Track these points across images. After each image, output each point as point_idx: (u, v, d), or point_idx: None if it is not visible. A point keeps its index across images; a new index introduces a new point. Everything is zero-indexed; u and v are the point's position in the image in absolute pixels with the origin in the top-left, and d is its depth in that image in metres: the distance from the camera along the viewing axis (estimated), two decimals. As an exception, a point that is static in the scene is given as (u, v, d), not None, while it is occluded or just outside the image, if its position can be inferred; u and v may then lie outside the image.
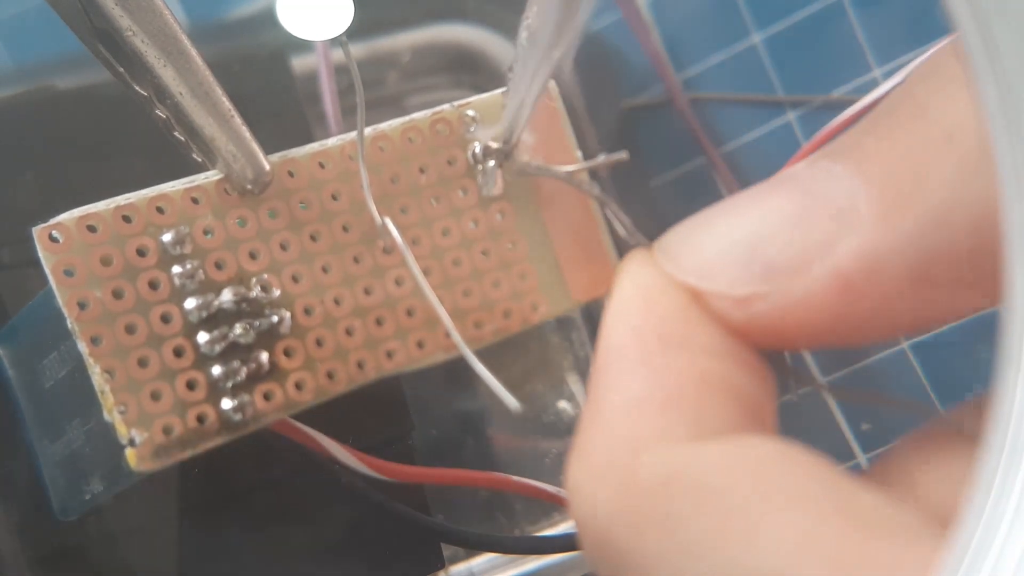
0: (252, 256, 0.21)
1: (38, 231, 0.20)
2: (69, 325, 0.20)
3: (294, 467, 0.24)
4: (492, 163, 0.23)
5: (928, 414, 0.30)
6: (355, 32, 0.21)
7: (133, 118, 0.25)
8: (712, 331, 0.16)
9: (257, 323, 0.21)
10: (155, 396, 0.20)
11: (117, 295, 0.20)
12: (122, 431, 0.20)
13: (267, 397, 0.21)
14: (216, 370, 0.21)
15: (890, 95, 0.17)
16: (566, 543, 0.28)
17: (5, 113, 0.25)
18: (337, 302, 0.22)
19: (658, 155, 0.33)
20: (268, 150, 0.22)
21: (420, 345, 0.23)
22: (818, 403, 0.32)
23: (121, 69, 0.21)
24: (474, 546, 0.28)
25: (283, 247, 0.22)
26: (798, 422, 0.31)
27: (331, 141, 0.23)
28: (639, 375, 0.16)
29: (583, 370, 0.31)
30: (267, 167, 0.21)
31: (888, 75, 0.31)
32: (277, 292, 0.21)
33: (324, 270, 0.22)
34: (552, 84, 0.25)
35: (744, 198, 0.17)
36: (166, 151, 0.22)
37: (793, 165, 0.17)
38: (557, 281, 0.24)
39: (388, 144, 0.23)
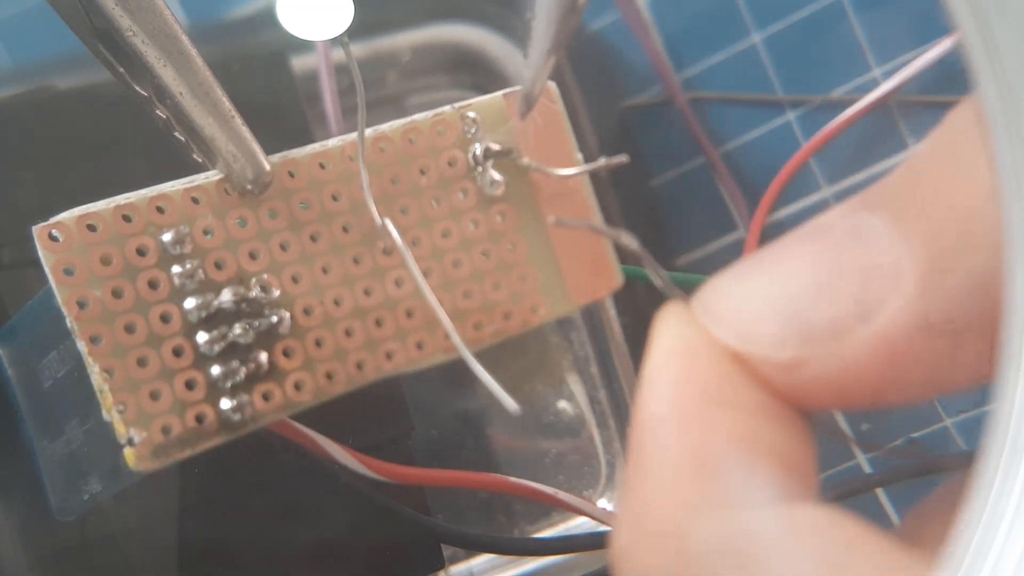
0: (252, 256, 0.21)
1: (38, 230, 0.20)
2: (69, 324, 0.20)
3: (294, 468, 0.24)
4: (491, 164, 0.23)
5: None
6: (355, 32, 0.21)
7: (133, 118, 0.25)
8: (756, 391, 0.16)
9: (257, 323, 0.21)
10: (154, 396, 0.20)
11: (117, 294, 0.20)
12: (121, 431, 0.20)
13: (266, 397, 0.21)
14: (215, 370, 0.21)
15: (930, 140, 0.16)
16: (565, 545, 0.28)
17: (5, 113, 0.25)
18: (337, 303, 0.22)
19: (658, 155, 0.33)
20: (268, 150, 0.22)
21: (420, 346, 0.23)
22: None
23: (121, 69, 0.21)
24: (474, 547, 0.28)
25: (283, 247, 0.22)
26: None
27: (332, 142, 0.23)
28: (686, 436, 0.15)
29: (583, 370, 0.31)
30: (267, 167, 0.21)
31: (888, 75, 0.31)
32: (277, 292, 0.21)
33: (324, 271, 0.22)
34: (552, 84, 0.25)
35: (779, 251, 0.16)
36: (166, 151, 0.22)
37: (828, 214, 0.16)
38: (557, 283, 0.24)
39: (389, 145, 0.23)
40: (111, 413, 0.20)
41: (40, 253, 0.20)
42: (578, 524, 0.30)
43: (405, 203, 0.23)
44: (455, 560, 0.28)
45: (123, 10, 0.20)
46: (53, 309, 0.20)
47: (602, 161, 0.25)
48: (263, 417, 0.21)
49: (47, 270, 0.20)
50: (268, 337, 0.21)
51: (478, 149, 0.24)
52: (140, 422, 0.20)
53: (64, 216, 0.20)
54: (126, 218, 0.21)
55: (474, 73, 0.31)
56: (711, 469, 0.15)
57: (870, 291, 0.15)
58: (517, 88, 0.24)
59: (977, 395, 0.30)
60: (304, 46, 0.28)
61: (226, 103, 0.21)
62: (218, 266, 0.21)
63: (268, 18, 0.21)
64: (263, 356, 0.21)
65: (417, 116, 0.23)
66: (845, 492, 0.29)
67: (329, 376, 0.22)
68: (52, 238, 0.20)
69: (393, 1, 0.31)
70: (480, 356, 0.22)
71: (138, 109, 0.21)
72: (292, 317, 0.21)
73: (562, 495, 0.25)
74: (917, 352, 0.15)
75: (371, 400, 0.23)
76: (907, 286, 0.15)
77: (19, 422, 0.23)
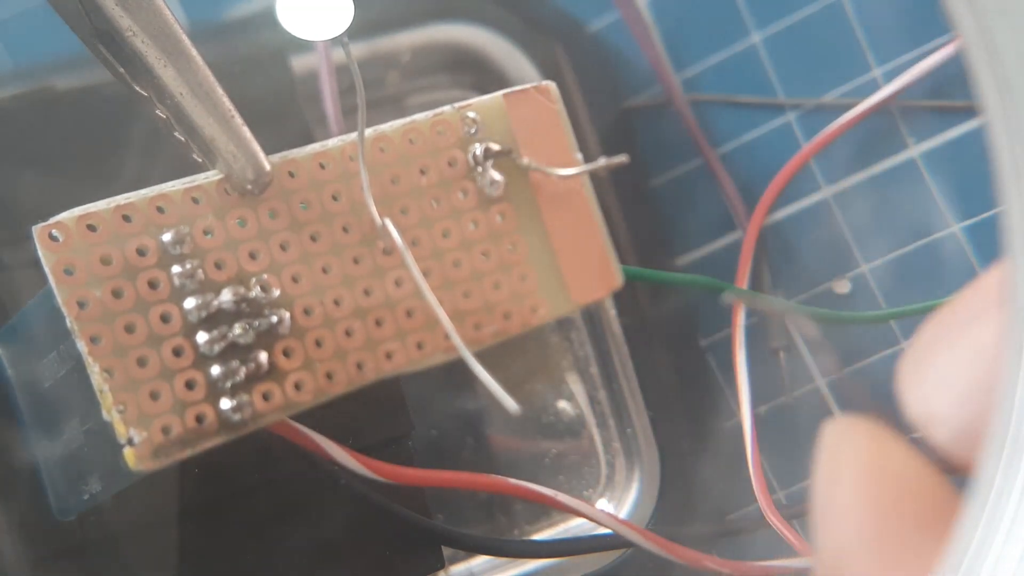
0: (252, 256, 0.21)
1: (38, 230, 0.20)
2: (68, 324, 0.20)
3: (293, 468, 0.24)
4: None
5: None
6: (355, 32, 0.21)
7: (133, 118, 0.25)
8: (942, 483, 0.15)
9: (256, 323, 0.21)
10: (154, 396, 0.20)
11: (117, 294, 0.20)
12: (121, 431, 0.20)
13: (266, 397, 0.21)
14: (215, 370, 0.21)
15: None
16: (564, 548, 0.28)
17: (5, 113, 0.25)
18: (337, 303, 0.22)
19: (658, 155, 0.33)
20: (268, 150, 0.22)
21: (420, 346, 0.23)
22: (818, 403, 0.32)
23: (121, 69, 0.21)
24: (473, 549, 0.28)
25: (283, 247, 0.22)
26: (798, 422, 0.31)
27: (332, 142, 0.23)
28: (882, 566, 0.14)
29: (583, 370, 0.31)
30: (267, 167, 0.21)
31: (888, 75, 0.31)
32: (277, 292, 0.21)
33: (324, 271, 0.22)
34: (552, 84, 0.25)
35: (960, 322, 0.15)
36: (166, 151, 0.22)
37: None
38: (557, 283, 0.24)
39: (389, 145, 0.23)
40: (111, 413, 0.20)
41: (40, 253, 0.20)
42: (578, 524, 0.30)
43: (405, 203, 0.23)
44: (455, 560, 0.28)
45: (123, 10, 0.20)
46: (53, 309, 0.20)
47: (602, 161, 0.25)
48: (263, 417, 0.21)
49: (47, 270, 0.20)
50: (268, 337, 0.21)
51: (478, 149, 0.24)
52: (140, 422, 0.20)
53: (64, 216, 0.20)
54: (126, 218, 0.21)
55: (474, 73, 0.31)
56: None
57: None
58: (517, 88, 0.24)
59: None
60: (304, 46, 0.28)
61: (226, 103, 0.21)
62: (218, 266, 0.21)
63: (268, 18, 0.21)
64: (263, 356, 0.21)
65: (417, 116, 0.23)
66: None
67: (329, 376, 0.22)
68: (52, 238, 0.20)
69: (393, 1, 0.31)
70: (480, 356, 0.22)
71: (138, 109, 0.21)
72: (292, 317, 0.21)
73: (561, 497, 0.25)
74: None
75: (371, 400, 0.23)
76: None
77: (19, 422, 0.23)
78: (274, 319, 0.21)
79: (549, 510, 0.30)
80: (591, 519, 0.26)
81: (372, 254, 0.22)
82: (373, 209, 0.22)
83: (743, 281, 0.31)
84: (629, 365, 0.31)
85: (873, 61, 0.31)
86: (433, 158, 0.23)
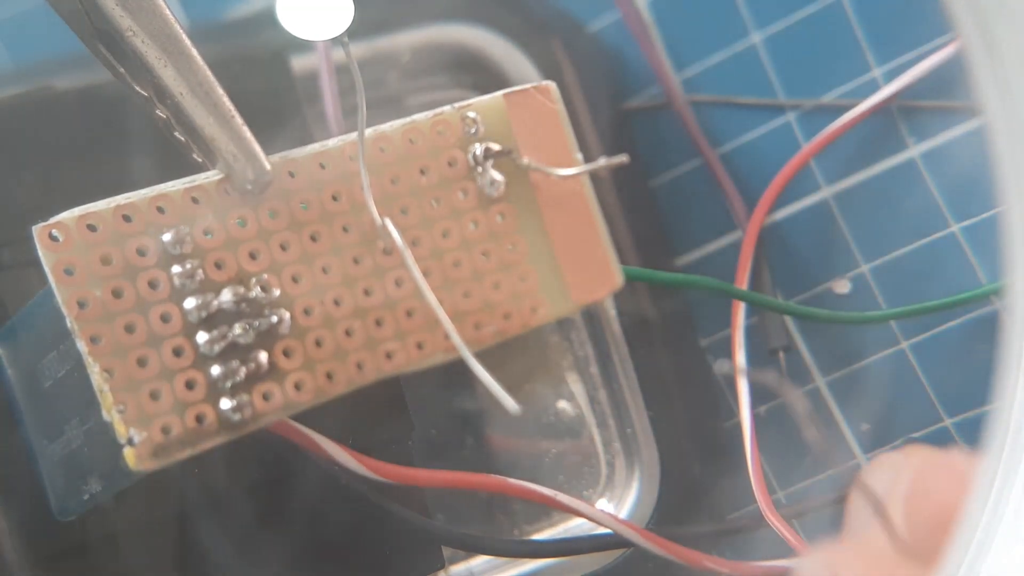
0: (252, 256, 0.21)
1: (38, 230, 0.20)
2: (69, 324, 0.20)
3: (293, 468, 0.24)
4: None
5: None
6: (355, 32, 0.21)
7: (133, 118, 0.25)
8: None
9: (256, 323, 0.21)
10: (154, 396, 0.20)
11: (117, 294, 0.20)
12: (121, 430, 0.20)
13: (266, 397, 0.21)
14: (215, 370, 0.21)
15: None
16: (564, 548, 0.28)
17: (5, 113, 0.25)
18: (337, 303, 0.22)
19: (658, 156, 0.33)
20: (268, 150, 0.22)
21: (420, 346, 0.23)
22: (818, 403, 0.32)
23: (121, 69, 0.21)
24: (472, 549, 0.28)
25: (283, 247, 0.22)
26: (798, 422, 0.31)
27: (332, 142, 0.23)
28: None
29: (583, 370, 0.31)
30: (267, 167, 0.21)
31: (888, 75, 0.31)
32: (277, 292, 0.21)
33: (324, 271, 0.22)
34: (552, 85, 0.25)
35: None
36: (166, 151, 0.22)
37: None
38: (557, 283, 0.24)
39: (389, 145, 0.23)
40: (111, 413, 0.20)
41: (40, 253, 0.20)
42: (578, 524, 0.30)
43: (405, 203, 0.23)
44: (455, 560, 0.28)
45: (123, 10, 0.20)
46: (53, 309, 0.20)
47: (602, 161, 0.25)
48: (263, 417, 0.21)
49: (47, 270, 0.20)
50: (268, 337, 0.21)
51: (478, 149, 0.24)
52: (140, 422, 0.20)
53: (64, 216, 0.20)
54: (126, 218, 0.21)
55: (474, 73, 0.31)
56: None
57: None
58: (517, 88, 0.24)
59: (977, 395, 0.30)
60: (304, 46, 0.28)
61: (226, 103, 0.21)
62: (218, 266, 0.21)
63: (268, 18, 0.21)
64: (263, 356, 0.21)
65: (417, 116, 0.23)
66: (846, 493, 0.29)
67: (329, 376, 0.22)
68: (52, 238, 0.20)
69: (393, 1, 0.31)
70: (480, 356, 0.22)
71: (138, 109, 0.21)
72: (292, 317, 0.21)
73: (561, 497, 0.25)
74: None
75: (371, 400, 0.23)
76: None
77: (19, 422, 0.23)
78: (274, 319, 0.21)
79: (549, 510, 0.30)
80: (591, 519, 0.26)
81: (372, 254, 0.22)
82: (373, 209, 0.22)
83: (743, 281, 0.31)
84: (629, 365, 0.31)
85: (873, 61, 0.31)
86: (433, 158, 0.23)
